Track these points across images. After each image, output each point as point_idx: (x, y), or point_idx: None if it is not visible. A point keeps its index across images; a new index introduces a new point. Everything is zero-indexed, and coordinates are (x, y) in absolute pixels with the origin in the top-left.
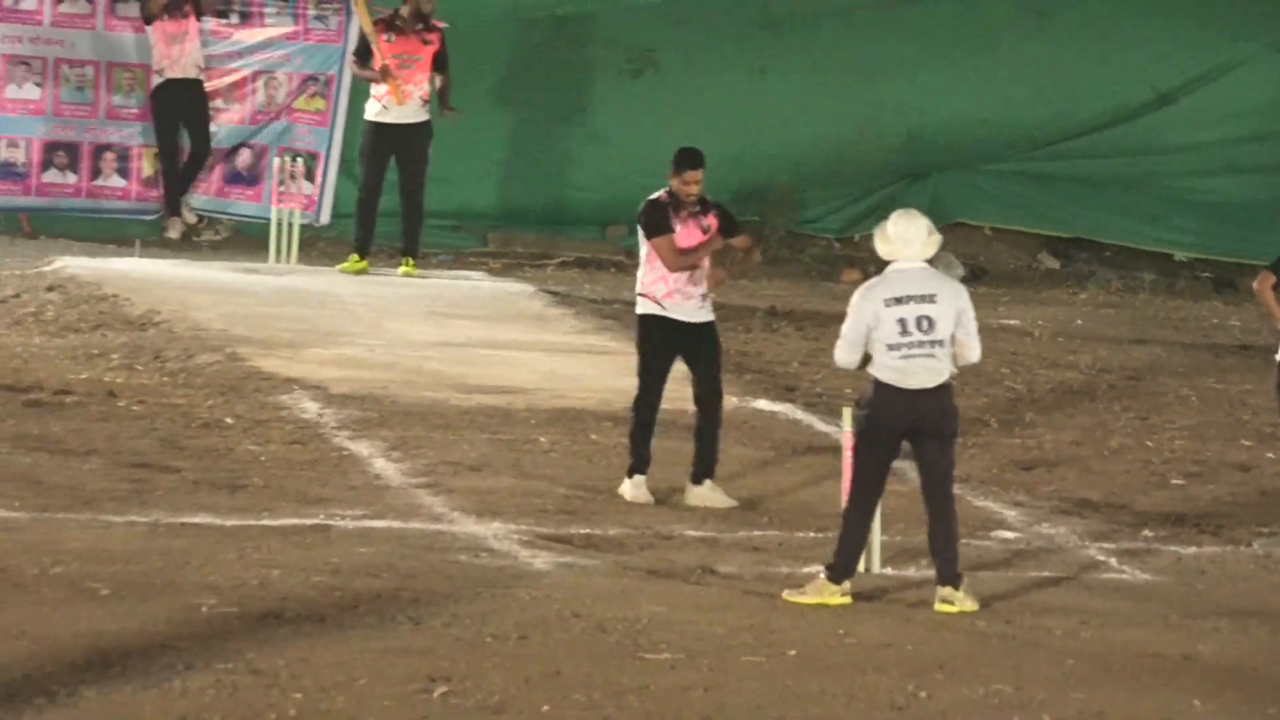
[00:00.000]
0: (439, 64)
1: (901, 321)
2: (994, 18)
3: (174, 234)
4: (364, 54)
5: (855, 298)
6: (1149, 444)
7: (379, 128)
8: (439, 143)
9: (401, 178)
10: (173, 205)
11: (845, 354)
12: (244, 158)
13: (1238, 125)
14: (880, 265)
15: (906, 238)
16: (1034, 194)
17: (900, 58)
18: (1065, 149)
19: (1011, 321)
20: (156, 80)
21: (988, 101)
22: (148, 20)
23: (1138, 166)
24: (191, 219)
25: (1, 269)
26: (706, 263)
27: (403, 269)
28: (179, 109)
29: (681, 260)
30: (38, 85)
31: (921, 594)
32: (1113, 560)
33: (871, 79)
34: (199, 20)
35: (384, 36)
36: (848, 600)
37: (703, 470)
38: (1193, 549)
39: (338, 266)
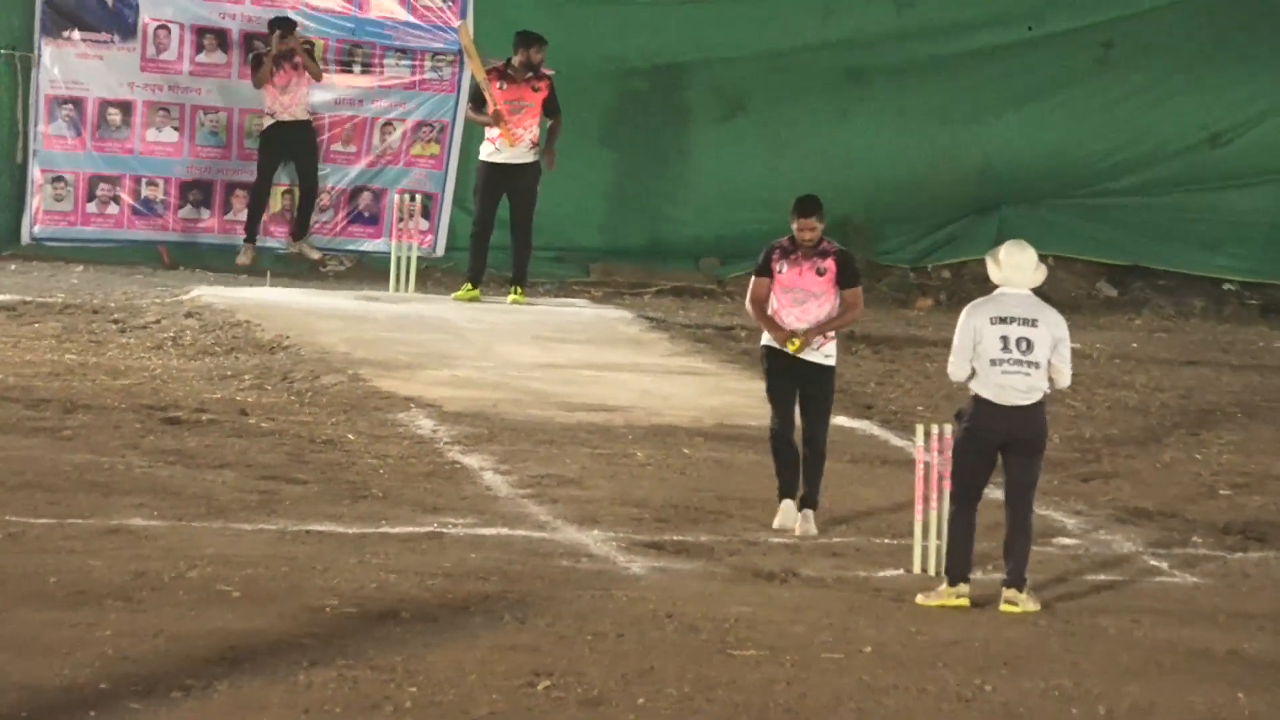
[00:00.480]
0: (548, 109)
1: (1004, 339)
2: (1057, 66)
3: (244, 260)
4: (478, 100)
5: (963, 315)
6: (1198, 457)
7: (491, 167)
8: (547, 181)
9: (511, 213)
10: (250, 233)
11: (956, 367)
12: (365, 199)
13: None
14: (950, 294)
15: (1019, 265)
16: (1094, 226)
17: (971, 103)
18: (1122, 185)
19: (1073, 345)
20: (268, 121)
21: (1051, 141)
22: (258, 85)
23: (1190, 200)
24: (314, 255)
25: (143, 298)
26: (815, 312)
27: (512, 297)
28: (286, 147)
29: (756, 307)
30: (175, 129)
31: (987, 595)
32: (1165, 565)
33: (944, 122)
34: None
35: (496, 84)
36: (965, 602)
37: (803, 499)
38: (1239, 554)
39: (452, 295)
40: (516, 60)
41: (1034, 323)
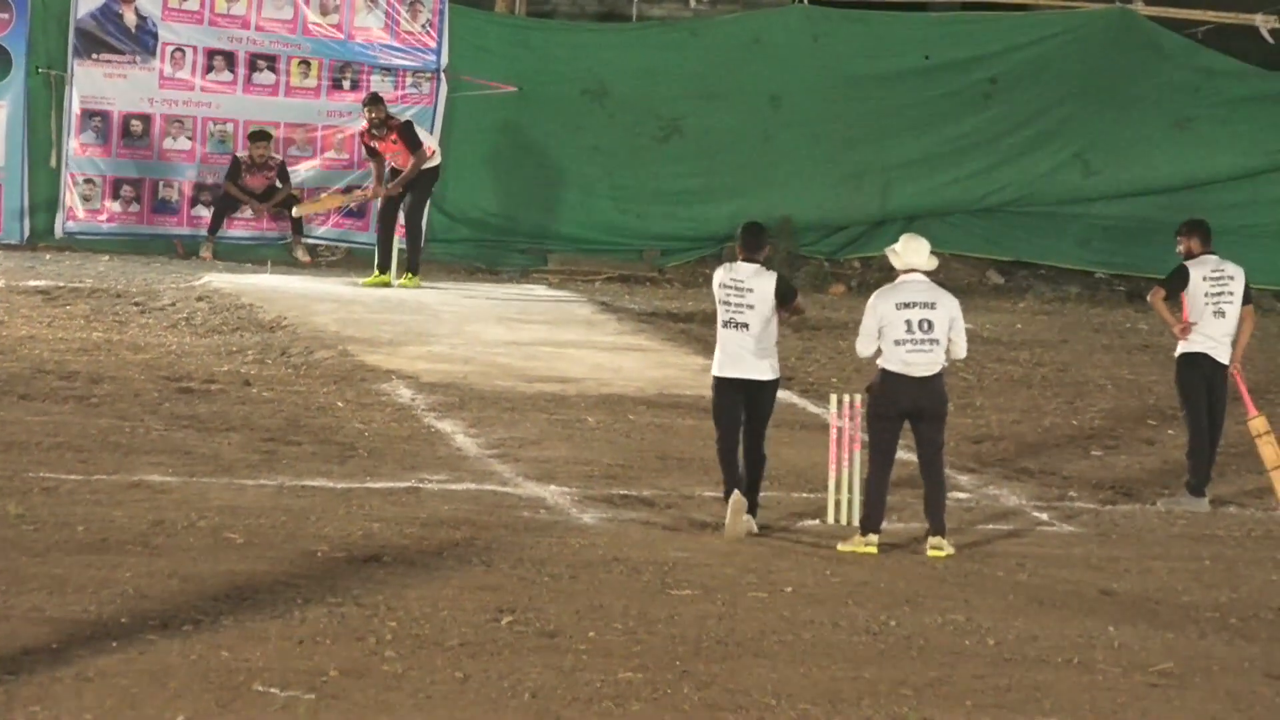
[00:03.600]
0: (408, 147)
1: (908, 322)
2: (950, 100)
3: (206, 254)
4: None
5: (871, 301)
6: (1074, 423)
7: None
8: (517, 182)
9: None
10: (211, 231)
11: (864, 346)
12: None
13: (1145, 182)
14: (860, 281)
15: (916, 249)
16: (983, 226)
17: (876, 128)
18: (1005, 196)
19: (966, 326)
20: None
21: (945, 163)
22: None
23: (1064, 208)
24: (305, 259)
25: (160, 284)
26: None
27: (402, 281)
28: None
29: None
30: (189, 139)
31: (894, 543)
32: (1045, 516)
33: (853, 145)
34: (275, 178)
35: (373, 144)
36: (873, 550)
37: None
38: (1109, 507)
39: (360, 281)
40: (368, 125)
41: (932, 305)
